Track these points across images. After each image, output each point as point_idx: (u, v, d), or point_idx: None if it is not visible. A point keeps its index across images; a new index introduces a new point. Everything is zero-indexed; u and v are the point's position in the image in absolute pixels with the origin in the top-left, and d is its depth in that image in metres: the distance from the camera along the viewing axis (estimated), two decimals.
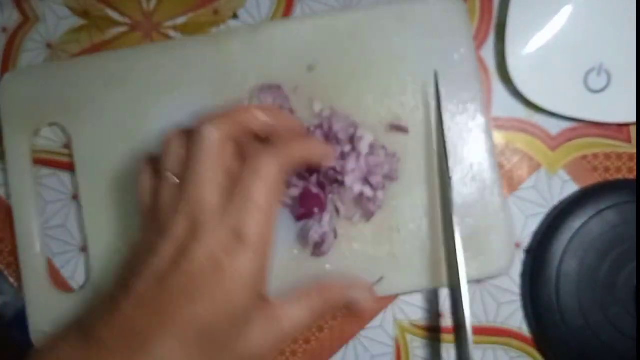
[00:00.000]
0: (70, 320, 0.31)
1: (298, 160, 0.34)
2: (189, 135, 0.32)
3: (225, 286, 0.29)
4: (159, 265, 0.30)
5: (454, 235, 0.39)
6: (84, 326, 0.30)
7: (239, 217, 0.30)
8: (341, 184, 0.42)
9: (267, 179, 0.31)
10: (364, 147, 0.42)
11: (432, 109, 0.44)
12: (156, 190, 0.33)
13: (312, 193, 0.42)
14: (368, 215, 0.43)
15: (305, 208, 0.42)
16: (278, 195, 0.32)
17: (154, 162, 0.35)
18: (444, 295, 0.45)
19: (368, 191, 0.42)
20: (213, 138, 0.31)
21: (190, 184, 0.31)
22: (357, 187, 0.41)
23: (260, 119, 0.34)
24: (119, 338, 0.28)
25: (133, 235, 0.44)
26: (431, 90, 0.44)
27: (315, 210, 0.42)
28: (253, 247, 0.30)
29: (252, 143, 0.34)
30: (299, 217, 0.42)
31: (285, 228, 0.43)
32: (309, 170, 0.42)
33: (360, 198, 0.42)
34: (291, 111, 0.44)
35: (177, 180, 0.32)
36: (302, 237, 0.43)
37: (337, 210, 0.43)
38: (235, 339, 0.31)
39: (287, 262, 0.43)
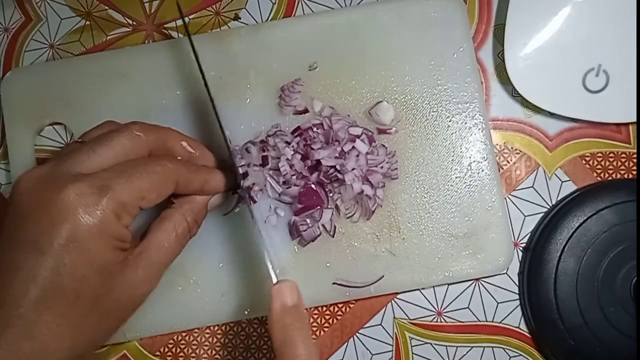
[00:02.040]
0: None
1: (191, 188, 0.36)
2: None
3: (75, 238, 0.29)
4: (8, 221, 0.30)
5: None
6: None
7: (104, 179, 0.30)
8: (341, 182, 0.42)
9: (154, 175, 0.32)
10: (363, 146, 0.42)
11: (431, 107, 0.45)
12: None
13: (312, 190, 0.42)
14: (368, 214, 0.43)
15: (304, 204, 0.42)
16: (155, 193, 0.32)
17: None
18: (442, 293, 0.45)
19: (368, 190, 0.42)
20: (132, 137, 0.33)
21: (86, 145, 0.32)
22: (357, 186, 0.42)
23: (185, 148, 0.37)
24: None
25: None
26: (431, 90, 0.45)
27: (317, 207, 0.42)
28: (110, 207, 0.29)
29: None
30: (297, 213, 0.43)
31: (286, 227, 0.44)
32: (309, 168, 0.42)
33: (360, 196, 0.42)
34: None
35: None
36: (295, 231, 0.43)
37: (337, 209, 0.43)
38: (107, 290, 0.30)
39: (288, 260, 0.44)
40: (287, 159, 0.43)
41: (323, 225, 0.43)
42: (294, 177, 0.42)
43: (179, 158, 0.36)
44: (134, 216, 0.31)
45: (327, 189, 0.43)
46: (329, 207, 0.43)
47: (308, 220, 0.43)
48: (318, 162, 0.42)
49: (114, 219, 0.30)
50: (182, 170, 0.34)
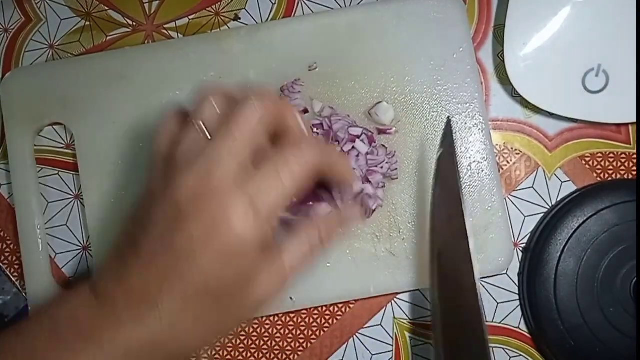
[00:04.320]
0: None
1: (327, 169, 0.34)
2: (231, 100, 0.32)
3: (229, 248, 0.29)
4: (162, 222, 0.30)
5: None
6: (95, 283, 0.31)
7: (257, 189, 0.30)
8: None
9: (294, 169, 0.31)
10: (363, 146, 0.42)
11: (431, 107, 0.45)
12: (177, 142, 0.32)
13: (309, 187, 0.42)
14: (368, 213, 0.43)
15: (302, 202, 0.42)
16: (295, 191, 0.32)
17: (182, 115, 0.34)
18: None
19: (369, 188, 0.42)
20: (257, 113, 0.31)
21: (218, 141, 0.30)
22: (357, 186, 0.42)
23: (299, 121, 0.34)
24: (128, 297, 0.29)
25: None
26: (430, 90, 0.45)
27: (309, 203, 0.42)
28: (263, 218, 0.30)
29: (285, 136, 0.34)
30: (288, 209, 0.42)
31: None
32: None
33: (360, 195, 0.42)
34: None
35: (207, 134, 0.31)
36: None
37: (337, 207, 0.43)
38: (241, 292, 0.31)
39: None
40: None
41: None
42: None
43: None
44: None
45: (325, 186, 0.42)
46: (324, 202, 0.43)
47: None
48: None
49: (268, 232, 0.30)
50: (322, 159, 0.33)
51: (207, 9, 0.48)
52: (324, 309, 0.45)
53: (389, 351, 0.45)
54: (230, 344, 0.45)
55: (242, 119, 0.31)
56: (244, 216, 0.29)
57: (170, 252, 0.29)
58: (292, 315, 0.45)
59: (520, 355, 0.44)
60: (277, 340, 0.45)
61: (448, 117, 0.43)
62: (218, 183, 0.30)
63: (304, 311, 0.45)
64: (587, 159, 0.45)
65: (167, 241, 0.30)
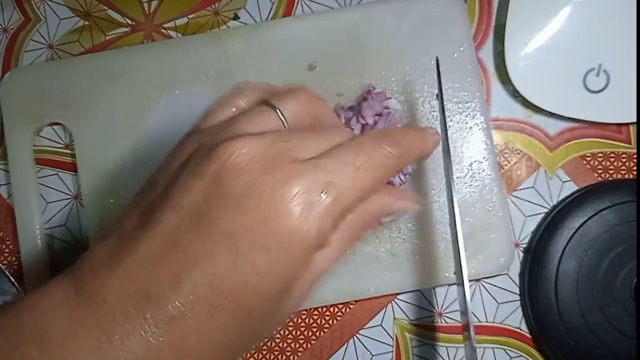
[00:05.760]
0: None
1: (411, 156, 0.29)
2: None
3: (284, 241, 0.23)
4: (194, 196, 0.23)
5: (456, 233, 0.36)
6: (77, 276, 0.24)
7: (332, 168, 0.24)
8: None
9: (380, 168, 0.26)
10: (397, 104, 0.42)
11: (432, 107, 0.44)
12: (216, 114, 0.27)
13: None
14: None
15: None
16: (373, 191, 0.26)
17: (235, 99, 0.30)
18: (443, 294, 0.45)
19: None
20: (305, 98, 0.29)
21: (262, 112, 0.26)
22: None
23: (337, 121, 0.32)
24: (124, 296, 0.22)
25: None
26: (431, 90, 0.44)
27: None
28: (338, 203, 0.24)
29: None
30: None
31: None
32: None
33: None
34: None
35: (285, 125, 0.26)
36: None
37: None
38: (280, 297, 0.24)
39: None
40: None
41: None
42: None
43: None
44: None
45: None
46: None
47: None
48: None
49: (329, 227, 0.24)
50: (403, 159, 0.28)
51: (207, 8, 0.48)
52: (324, 309, 0.45)
53: (389, 352, 0.45)
54: None
55: (291, 96, 0.27)
56: (305, 202, 0.23)
57: (206, 235, 0.22)
58: (292, 316, 0.45)
59: (521, 355, 0.44)
60: (277, 340, 0.45)
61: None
62: (276, 151, 0.23)
63: (304, 312, 0.45)
64: (588, 159, 0.45)
65: (198, 223, 0.23)
